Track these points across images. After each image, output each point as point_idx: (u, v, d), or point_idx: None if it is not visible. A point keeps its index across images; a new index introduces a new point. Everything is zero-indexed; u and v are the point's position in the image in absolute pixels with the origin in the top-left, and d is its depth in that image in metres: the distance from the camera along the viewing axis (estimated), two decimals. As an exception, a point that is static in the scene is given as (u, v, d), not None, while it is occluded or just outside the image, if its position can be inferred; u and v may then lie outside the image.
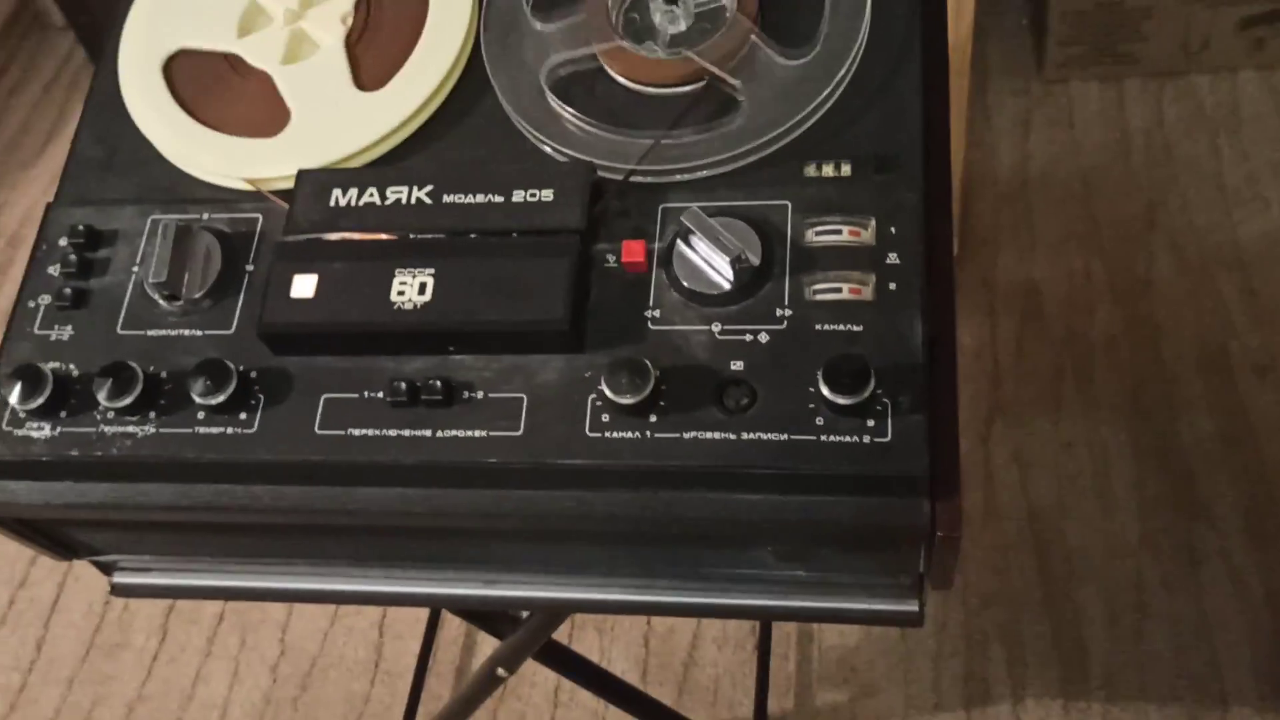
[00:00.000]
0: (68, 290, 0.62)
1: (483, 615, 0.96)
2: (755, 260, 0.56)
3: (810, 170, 0.60)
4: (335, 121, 0.63)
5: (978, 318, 1.33)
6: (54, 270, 0.63)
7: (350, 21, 0.66)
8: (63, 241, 0.63)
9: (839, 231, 0.58)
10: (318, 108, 0.64)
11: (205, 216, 0.63)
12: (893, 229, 0.57)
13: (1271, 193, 1.37)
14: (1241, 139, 1.43)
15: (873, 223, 0.58)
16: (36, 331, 0.61)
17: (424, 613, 1.20)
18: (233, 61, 0.67)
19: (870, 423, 0.53)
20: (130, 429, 0.58)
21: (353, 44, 0.66)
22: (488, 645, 1.16)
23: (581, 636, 1.19)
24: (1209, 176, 1.40)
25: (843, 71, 0.61)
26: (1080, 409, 1.24)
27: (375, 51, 0.66)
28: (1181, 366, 1.25)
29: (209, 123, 0.65)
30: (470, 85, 0.65)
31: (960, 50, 1.13)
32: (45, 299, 0.62)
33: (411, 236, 0.59)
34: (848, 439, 0.53)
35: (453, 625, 1.22)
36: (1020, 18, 1.62)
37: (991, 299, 1.34)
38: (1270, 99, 1.46)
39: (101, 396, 0.57)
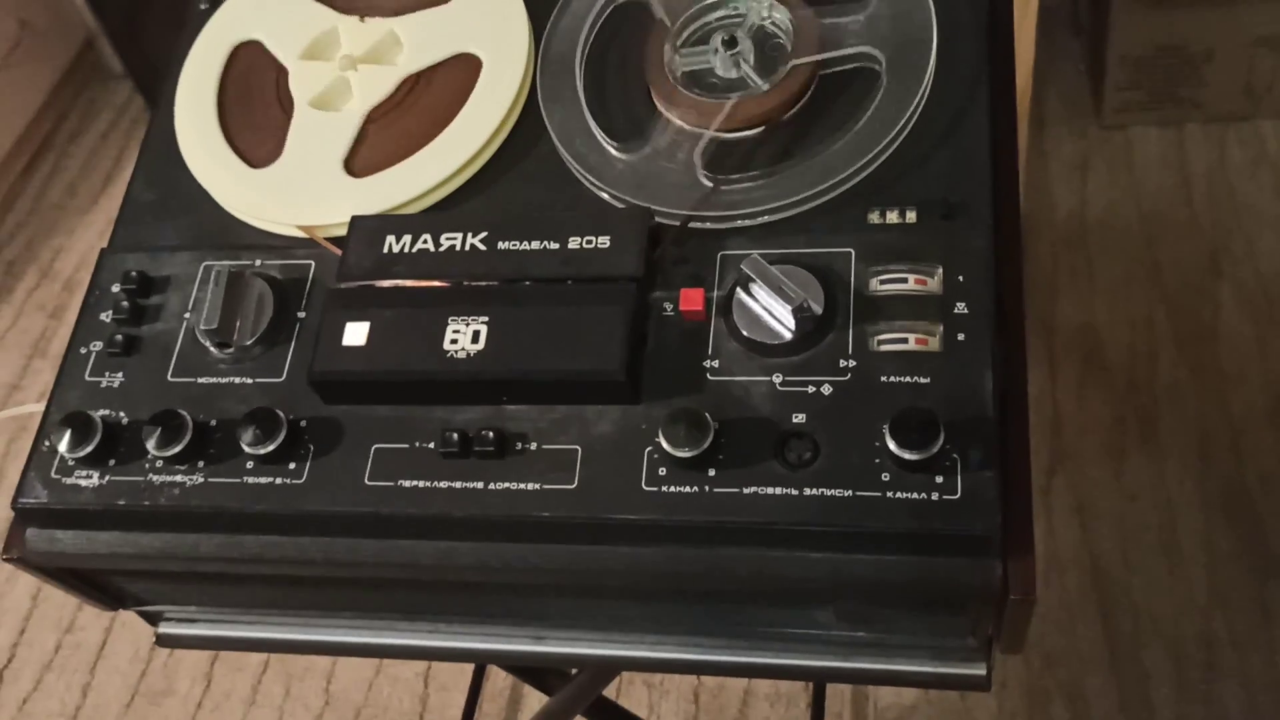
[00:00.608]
0: (119, 337, 0.61)
1: (530, 670, 0.94)
2: (818, 309, 0.54)
3: (874, 217, 0.59)
4: (309, 190, 0.63)
5: (1037, 364, 1.30)
6: (106, 316, 0.62)
7: (387, 97, 0.66)
8: (115, 287, 0.63)
9: (905, 280, 0.56)
10: (299, 168, 0.64)
11: (258, 263, 0.62)
12: (961, 277, 0.55)
13: (1341, 239, 1.33)
14: (1308, 183, 1.39)
15: (940, 271, 0.56)
16: (87, 378, 0.61)
17: (470, 664, 1.18)
18: (281, 94, 0.67)
19: (939, 479, 0.51)
20: (179, 478, 0.57)
21: (372, 119, 0.65)
22: (534, 698, 1.14)
23: (630, 691, 1.16)
24: (1274, 221, 1.36)
25: (907, 115, 0.59)
26: (1144, 459, 1.20)
27: (383, 142, 0.64)
28: (1249, 416, 1.21)
29: (252, 160, 0.65)
30: (526, 131, 0.64)
31: (1021, 95, 1.11)
32: (97, 345, 0.61)
33: (465, 284, 0.58)
34: (915, 496, 0.51)
35: (499, 677, 1.20)
36: (1077, 63, 1.60)
37: (1051, 345, 1.31)
38: (1337, 143, 1.42)
39: (151, 445, 0.56)
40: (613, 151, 0.61)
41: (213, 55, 0.69)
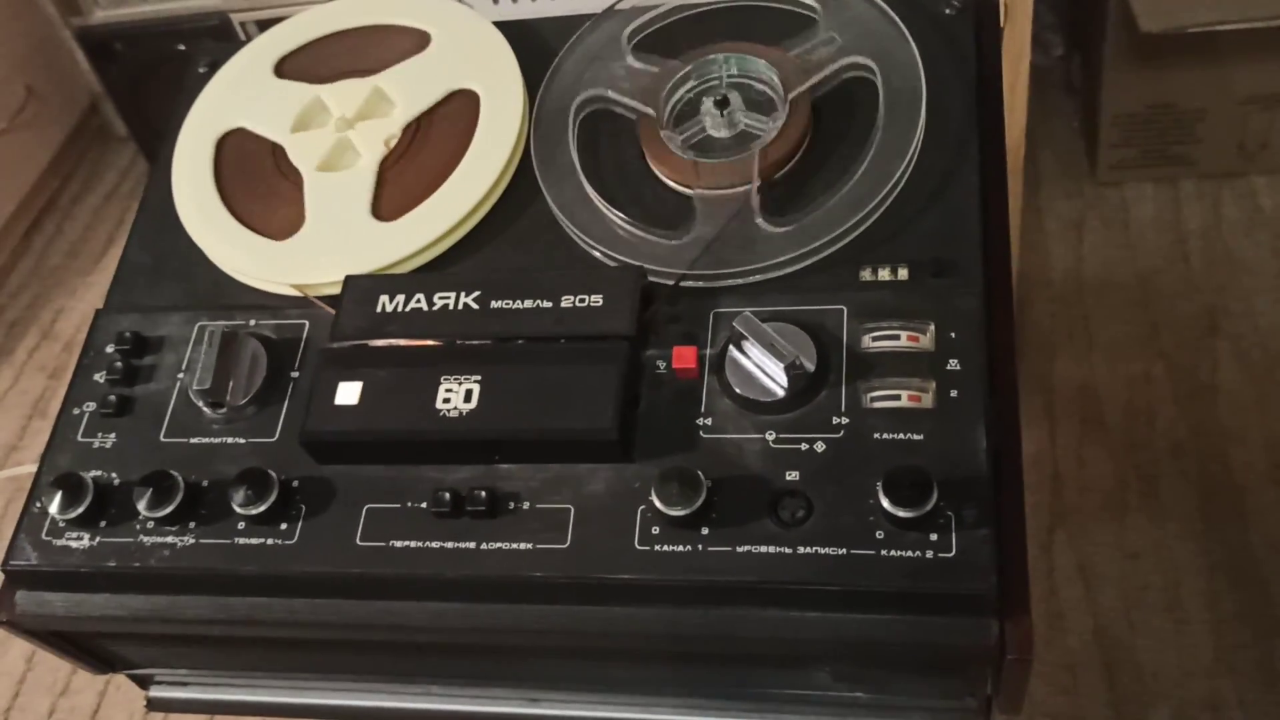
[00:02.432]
0: (112, 397, 0.61)
1: (527, 732, 0.92)
2: (810, 366, 0.54)
3: (866, 274, 0.59)
4: (340, 244, 0.63)
5: (1036, 423, 1.29)
6: (100, 377, 0.62)
7: (393, 144, 0.66)
8: (109, 348, 0.63)
9: (897, 337, 0.56)
10: (328, 224, 0.64)
11: (252, 323, 0.63)
12: (953, 334, 0.55)
13: (1337, 295, 1.33)
14: (1304, 241, 1.40)
15: (932, 328, 0.56)
16: (80, 439, 0.61)
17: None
18: (282, 167, 0.67)
19: (933, 537, 0.50)
20: (170, 539, 0.56)
21: (385, 168, 0.66)
22: (532, 762, 1.12)
23: (629, 754, 1.15)
24: (1271, 279, 1.37)
25: (898, 174, 0.60)
26: (1146, 519, 1.20)
27: (404, 182, 0.65)
28: (1251, 475, 1.20)
29: (257, 228, 0.65)
30: (520, 190, 0.65)
31: (1013, 153, 1.11)
32: (90, 406, 0.61)
33: (458, 343, 0.58)
34: (910, 554, 0.50)
35: (496, 740, 1.18)
36: (1071, 121, 1.61)
37: (1050, 404, 1.31)
38: (1331, 201, 1.43)
39: (142, 506, 0.56)
40: (618, 219, 0.61)
41: (202, 142, 0.69)
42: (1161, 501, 1.21)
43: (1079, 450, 1.26)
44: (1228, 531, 1.17)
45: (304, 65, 0.72)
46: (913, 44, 0.63)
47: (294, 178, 0.67)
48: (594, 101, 0.65)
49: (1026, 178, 1.56)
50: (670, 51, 0.66)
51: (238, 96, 0.71)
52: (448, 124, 0.67)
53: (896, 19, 0.64)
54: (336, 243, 0.63)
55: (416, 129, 0.67)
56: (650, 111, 0.65)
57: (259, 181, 0.67)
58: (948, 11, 0.66)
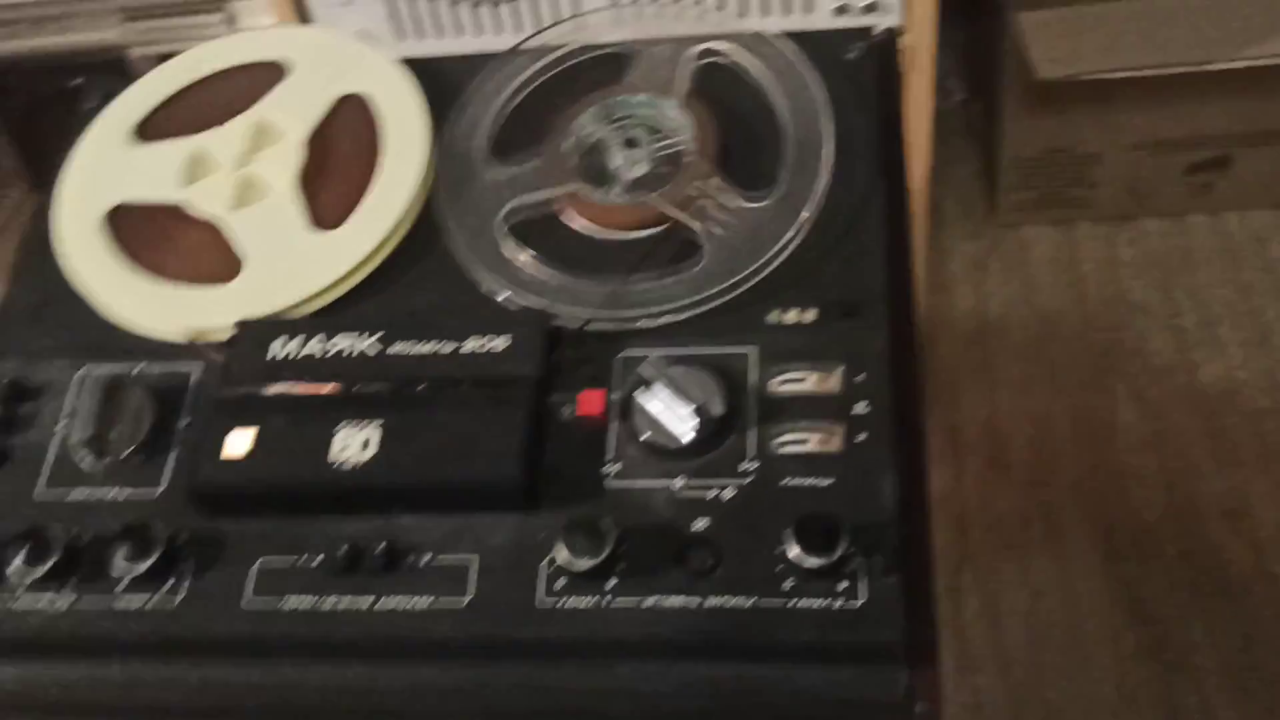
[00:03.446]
0: (-13, 448, 0.58)
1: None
2: (718, 411, 0.54)
3: (774, 316, 0.58)
4: (284, 269, 0.61)
5: (943, 463, 1.31)
6: (-27, 427, 0.59)
7: (303, 161, 0.64)
8: (-15, 396, 0.60)
9: (804, 379, 0.55)
10: (270, 252, 0.62)
11: (139, 369, 0.60)
12: (860, 377, 0.55)
13: (1228, 334, 1.37)
14: (1195, 281, 1.44)
15: (840, 370, 0.55)
16: (-52, 494, 0.57)
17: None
18: (177, 211, 0.65)
19: (841, 585, 0.49)
20: (45, 602, 0.53)
21: (306, 183, 0.64)
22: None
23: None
24: (1165, 319, 1.40)
25: (804, 215, 0.59)
26: (1050, 557, 1.21)
27: (328, 191, 0.64)
28: (1151, 512, 1.22)
29: (150, 271, 0.63)
30: (424, 230, 0.63)
31: (917, 195, 1.13)
32: (-39, 458, 0.58)
33: (356, 389, 0.56)
34: (818, 603, 0.49)
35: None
36: (972, 164, 1.65)
37: (956, 444, 1.32)
38: (1220, 241, 1.48)
39: (14, 566, 0.53)
40: (521, 258, 0.60)
41: (84, 221, 0.65)
42: (1065, 539, 1.22)
43: (984, 489, 1.28)
44: (1128, 569, 1.19)
45: (168, 124, 0.68)
46: (820, 86, 0.63)
47: (204, 228, 0.64)
48: (514, 213, 0.64)
49: (930, 219, 1.59)
50: (571, 95, 0.66)
51: (107, 173, 0.67)
52: (348, 129, 0.65)
53: (804, 60, 0.65)
54: (287, 267, 0.61)
55: (318, 142, 0.65)
56: (574, 186, 0.63)
57: (166, 238, 0.64)
58: (850, 56, 0.67)
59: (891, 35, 0.69)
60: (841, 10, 0.97)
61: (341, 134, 0.65)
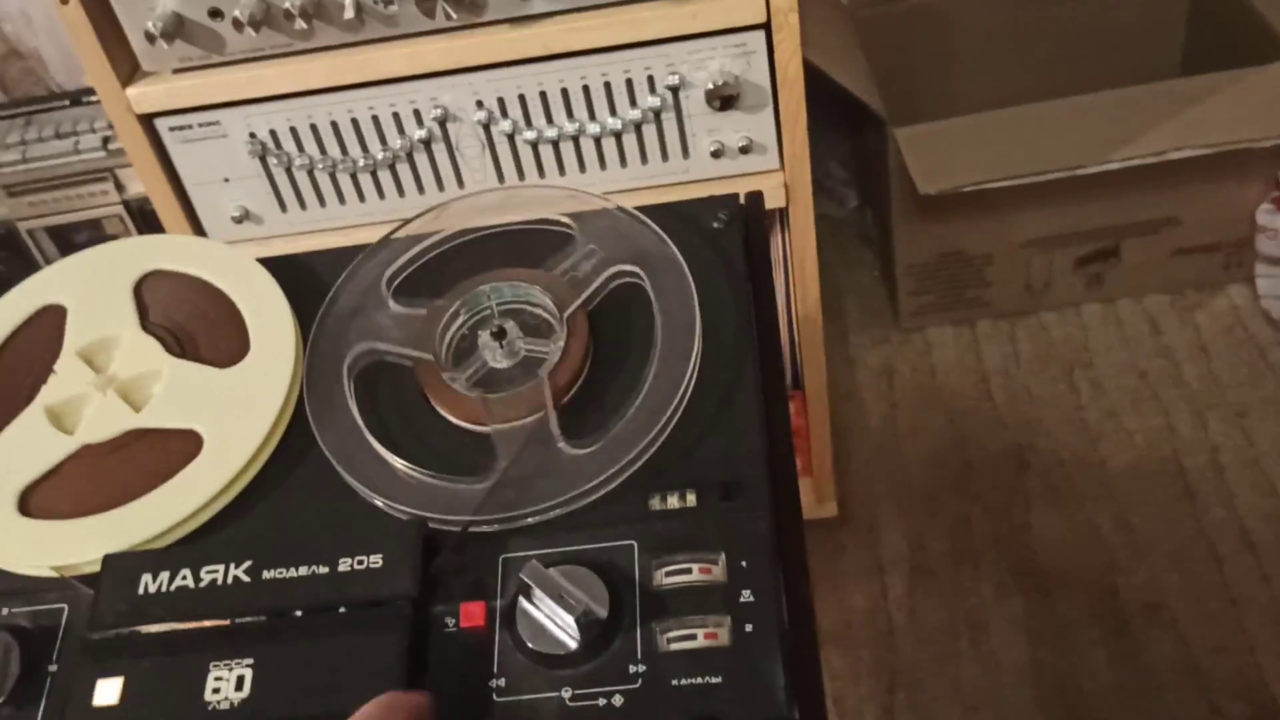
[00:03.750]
0: None
1: None
2: (602, 613, 0.52)
3: (655, 502, 0.58)
4: (152, 493, 0.59)
5: (868, 577, 1.30)
6: None
7: (160, 343, 0.63)
8: None
9: (689, 570, 0.55)
10: (215, 411, 0.60)
11: (4, 611, 0.57)
12: (744, 563, 0.54)
13: (1132, 423, 1.40)
14: (1095, 371, 1.47)
15: (723, 557, 0.55)
16: None
17: None
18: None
19: (739, 789, 0.48)
20: None
21: (181, 355, 0.63)
22: None
23: None
24: (1070, 412, 1.43)
25: (677, 398, 0.59)
26: (980, 667, 1.21)
27: (208, 346, 0.63)
28: (1074, 613, 1.23)
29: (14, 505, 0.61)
30: (295, 441, 0.62)
31: (812, 323, 1.14)
32: None
33: (229, 622, 0.54)
34: (716, 812, 0.48)
35: None
36: (871, 269, 1.68)
37: (878, 555, 1.32)
38: (1116, 330, 1.51)
39: None
40: (398, 465, 0.59)
41: None
42: (992, 648, 1.22)
43: (910, 601, 1.27)
44: (1057, 671, 1.19)
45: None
46: (685, 266, 0.64)
47: (123, 438, 0.62)
48: (367, 355, 0.63)
49: (835, 326, 1.61)
50: (435, 289, 0.65)
51: None
52: (210, 322, 0.64)
53: (665, 236, 0.65)
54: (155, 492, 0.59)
55: (164, 330, 0.64)
56: (427, 356, 0.63)
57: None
58: (716, 225, 0.68)
59: (757, 198, 0.71)
60: (717, 155, 0.99)
61: (205, 332, 0.64)
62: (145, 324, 0.65)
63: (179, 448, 0.61)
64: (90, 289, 0.68)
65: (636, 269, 0.64)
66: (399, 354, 0.63)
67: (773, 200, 1.01)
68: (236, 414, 0.61)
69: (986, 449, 1.41)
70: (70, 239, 1.58)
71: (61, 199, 1.52)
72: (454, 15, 0.89)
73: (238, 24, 0.90)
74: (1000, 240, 1.48)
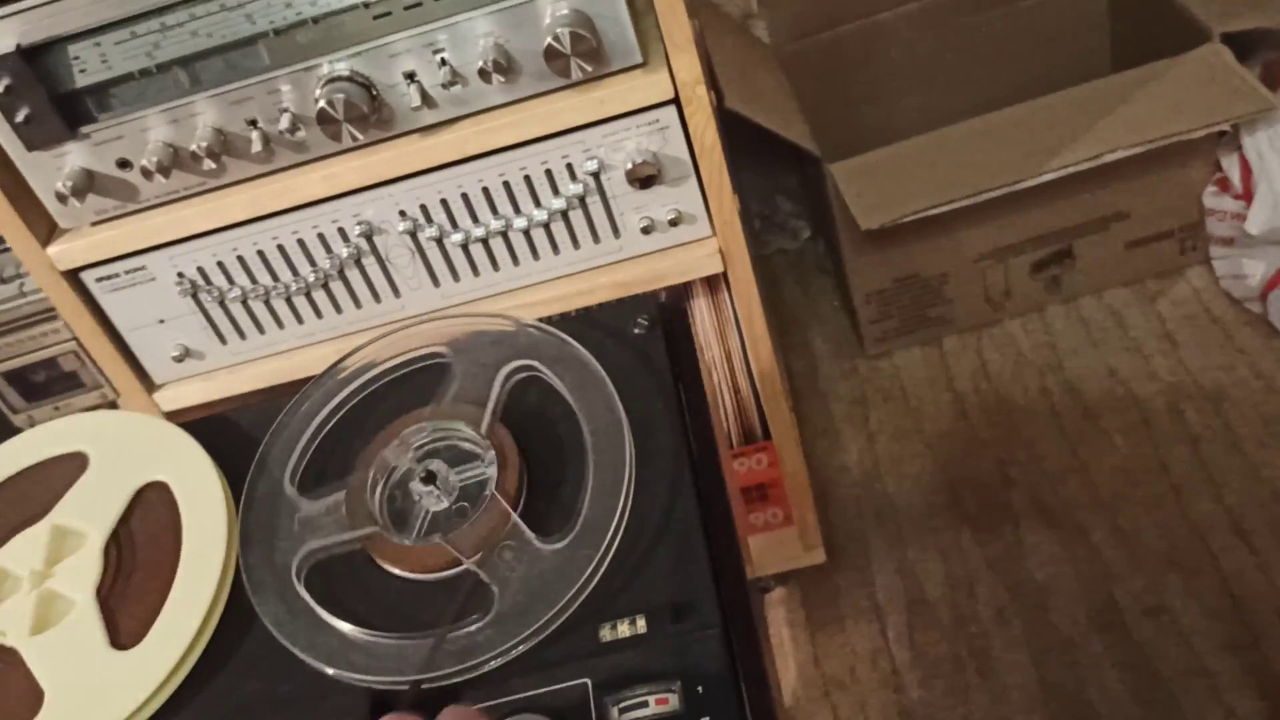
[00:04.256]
0: None
1: None
2: (558, 770, 0.51)
3: (606, 633, 0.57)
4: (87, 698, 0.58)
5: (865, 619, 1.29)
6: None
7: (100, 571, 0.62)
8: None
9: (645, 703, 0.54)
10: (73, 680, 0.59)
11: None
12: (700, 688, 0.53)
13: (1109, 424, 1.39)
14: (1066, 374, 1.46)
15: (678, 685, 0.54)
16: None
17: None
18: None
19: None
20: None
21: (104, 596, 0.62)
22: None
23: None
24: (1047, 419, 1.42)
25: (615, 521, 0.58)
26: (988, 697, 1.19)
27: (130, 602, 0.61)
28: (1075, 627, 1.21)
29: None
30: (236, 616, 0.61)
31: (769, 378, 1.13)
32: None
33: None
34: None
35: None
36: (832, 299, 1.67)
37: (874, 594, 1.31)
38: (1081, 330, 1.50)
39: None
40: (345, 629, 0.58)
41: None
42: (998, 674, 1.20)
43: (911, 638, 1.26)
44: (1065, 689, 1.17)
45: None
46: (609, 383, 0.63)
47: (7, 655, 0.61)
48: (310, 556, 0.62)
49: (804, 363, 1.60)
50: (340, 468, 0.65)
51: None
52: (148, 525, 0.63)
53: (592, 350, 0.64)
54: (90, 696, 0.58)
55: (118, 545, 0.63)
56: (371, 530, 0.62)
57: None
58: (636, 331, 0.67)
59: (679, 293, 0.70)
60: (648, 230, 0.98)
61: (141, 531, 0.63)
62: (118, 529, 0.64)
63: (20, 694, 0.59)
64: (109, 466, 0.66)
65: (527, 361, 0.63)
66: (341, 545, 0.62)
67: (711, 266, 1.01)
68: (172, 604, 0.60)
69: (969, 470, 1.40)
70: (29, 380, 1.57)
71: (14, 343, 1.51)
72: (359, 136, 0.88)
73: (147, 172, 0.89)
74: (953, 258, 1.48)
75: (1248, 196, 1.39)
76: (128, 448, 0.67)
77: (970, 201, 1.30)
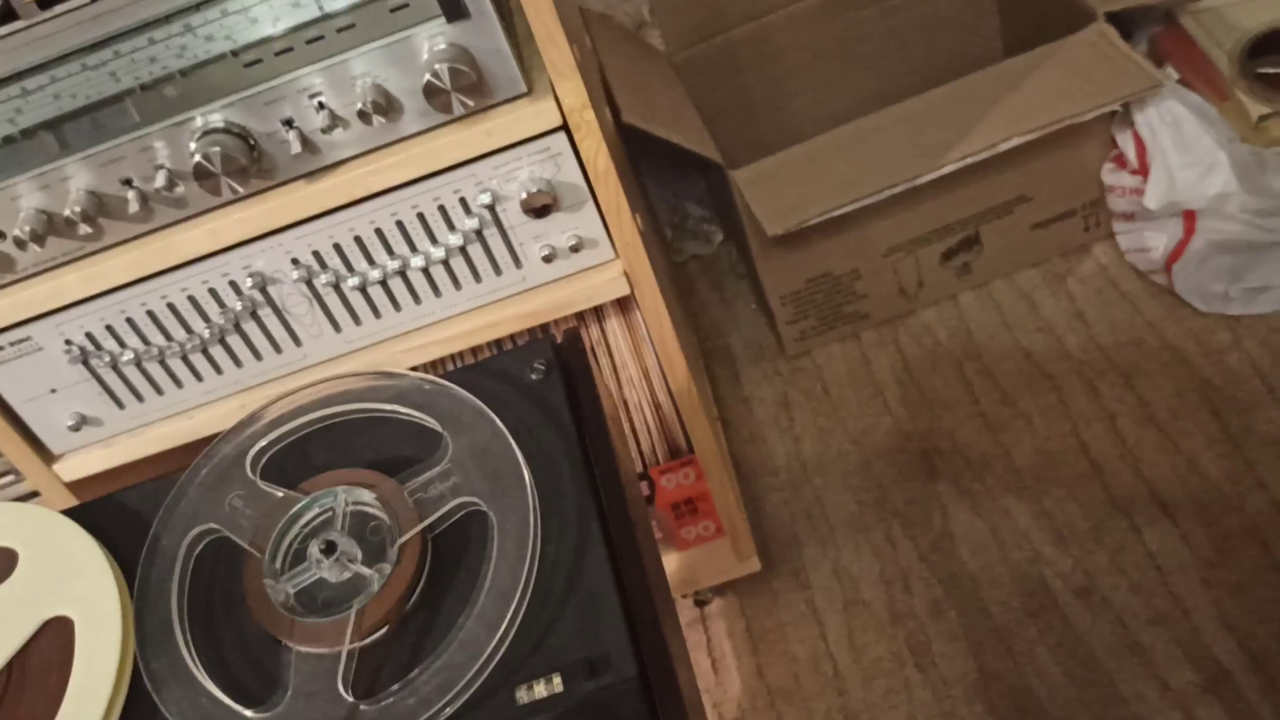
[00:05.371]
0: None
1: None
2: None
3: (522, 695, 0.55)
4: None
5: (803, 623, 1.29)
6: None
7: None
8: None
9: (567, 765, 0.52)
10: None
11: None
12: (622, 746, 0.52)
13: (1029, 406, 1.40)
14: (983, 362, 1.47)
15: (600, 746, 0.52)
16: None
17: None
18: None
19: None
20: None
21: None
22: None
23: None
24: (968, 408, 1.43)
25: (523, 581, 0.57)
26: (930, 692, 1.19)
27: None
28: (1009, 614, 1.22)
29: None
30: (139, 707, 0.58)
31: (687, 394, 1.13)
32: None
33: None
34: None
35: None
36: (750, 302, 1.67)
37: (811, 598, 1.31)
38: (995, 315, 1.52)
39: None
40: (250, 715, 0.56)
41: None
42: (938, 668, 1.21)
43: (850, 640, 1.26)
44: (1004, 678, 1.18)
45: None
46: (508, 435, 0.61)
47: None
48: (210, 534, 0.60)
49: (726, 369, 1.59)
50: (304, 471, 0.63)
51: None
52: (45, 657, 0.60)
53: (483, 405, 0.63)
54: None
55: (9, 673, 0.60)
56: (257, 554, 0.60)
57: None
58: (534, 377, 0.65)
59: (573, 336, 0.69)
60: (549, 259, 0.97)
61: (40, 661, 0.60)
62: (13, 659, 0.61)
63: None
64: (29, 582, 0.63)
65: (481, 504, 0.61)
66: (236, 541, 0.60)
67: (618, 290, 0.99)
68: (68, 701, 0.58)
69: (895, 464, 1.40)
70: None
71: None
72: (240, 189, 0.86)
73: (20, 242, 0.86)
74: (863, 253, 1.48)
75: (1144, 171, 1.41)
76: (51, 563, 0.64)
77: (873, 200, 1.30)
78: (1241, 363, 1.36)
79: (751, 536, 1.30)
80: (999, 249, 1.52)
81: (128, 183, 0.87)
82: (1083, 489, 1.30)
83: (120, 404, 0.99)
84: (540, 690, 0.55)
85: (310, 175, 0.90)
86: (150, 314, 0.95)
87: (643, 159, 1.67)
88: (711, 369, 1.61)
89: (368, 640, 0.57)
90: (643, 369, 1.20)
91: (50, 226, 0.87)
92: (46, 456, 1.02)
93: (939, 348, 1.51)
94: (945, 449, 1.39)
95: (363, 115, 0.86)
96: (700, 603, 1.35)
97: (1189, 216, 1.39)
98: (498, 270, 0.98)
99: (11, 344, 0.94)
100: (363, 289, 0.97)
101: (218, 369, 0.99)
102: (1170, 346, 1.40)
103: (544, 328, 1.06)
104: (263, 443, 0.65)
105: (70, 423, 0.99)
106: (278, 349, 0.99)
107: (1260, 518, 1.22)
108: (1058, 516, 1.29)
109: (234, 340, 0.98)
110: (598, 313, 1.15)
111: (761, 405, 1.53)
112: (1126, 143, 1.42)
